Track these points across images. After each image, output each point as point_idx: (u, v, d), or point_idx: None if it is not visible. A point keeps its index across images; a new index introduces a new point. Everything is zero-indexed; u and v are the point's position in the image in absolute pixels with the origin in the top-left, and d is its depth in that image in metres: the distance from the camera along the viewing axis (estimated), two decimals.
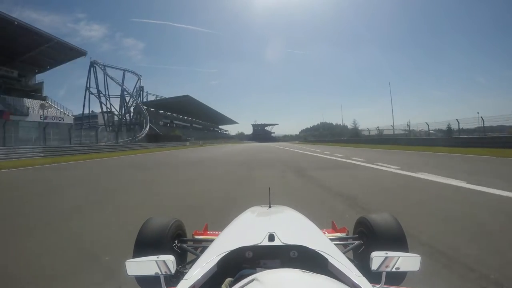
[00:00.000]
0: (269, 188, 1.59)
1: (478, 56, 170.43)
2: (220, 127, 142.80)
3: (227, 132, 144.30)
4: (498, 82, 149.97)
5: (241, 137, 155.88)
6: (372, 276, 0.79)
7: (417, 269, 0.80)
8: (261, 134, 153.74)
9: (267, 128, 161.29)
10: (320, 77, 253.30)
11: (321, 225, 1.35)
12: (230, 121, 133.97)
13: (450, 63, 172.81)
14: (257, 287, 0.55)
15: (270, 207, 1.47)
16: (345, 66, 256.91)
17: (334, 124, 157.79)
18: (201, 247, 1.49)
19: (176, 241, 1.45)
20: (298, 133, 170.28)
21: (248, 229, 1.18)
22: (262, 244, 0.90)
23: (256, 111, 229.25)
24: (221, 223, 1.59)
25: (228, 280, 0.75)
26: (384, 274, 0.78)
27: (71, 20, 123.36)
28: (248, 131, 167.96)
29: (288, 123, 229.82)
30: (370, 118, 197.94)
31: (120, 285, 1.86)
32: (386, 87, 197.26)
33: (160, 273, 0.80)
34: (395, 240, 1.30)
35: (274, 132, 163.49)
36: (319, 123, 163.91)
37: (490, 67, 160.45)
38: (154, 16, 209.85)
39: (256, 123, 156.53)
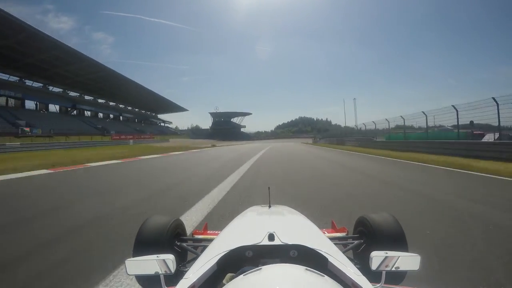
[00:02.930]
0: (269, 188, 1.60)
1: (449, 57, 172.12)
2: (160, 116, 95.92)
3: (168, 126, 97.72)
4: (468, 84, 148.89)
5: (194, 133, 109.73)
6: (372, 275, 0.81)
7: (417, 269, 0.81)
8: (225, 128, 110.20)
9: (234, 119, 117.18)
10: (296, 74, 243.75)
11: (321, 225, 1.40)
12: (174, 108, 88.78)
13: (421, 62, 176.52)
14: (257, 277, 0.58)
15: (270, 206, 1.48)
16: (318, 63, 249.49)
17: (315, 119, 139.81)
18: (201, 246, 1.49)
19: (176, 240, 1.46)
20: (273, 129, 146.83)
21: (248, 228, 1.19)
22: (262, 243, 0.91)
23: (226, 107, 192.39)
24: (220, 223, 1.72)
25: (229, 275, 0.77)
26: (384, 273, 0.80)
27: (39, 12, 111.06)
28: (206, 123, 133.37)
29: (261, 119, 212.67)
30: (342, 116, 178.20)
31: None
32: (358, 85, 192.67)
33: (160, 272, 0.80)
34: (395, 239, 1.32)
35: (245, 126, 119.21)
36: (297, 117, 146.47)
37: (461, 68, 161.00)
38: (125, 8, 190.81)
39: (217, 111, 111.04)
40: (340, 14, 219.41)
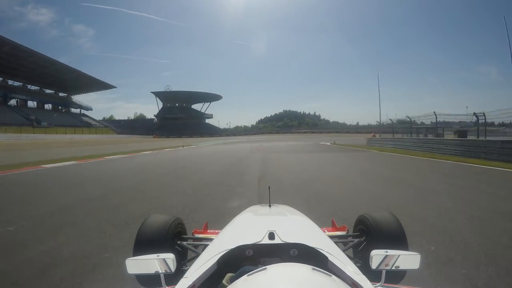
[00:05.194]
0: (269, 187, 1.59)
1: (430, 55, 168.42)
2: (75, 99, 58.59)
3: (85, 113, 60.63)
4: (450, 82, 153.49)
5: (130, 126, 71.35)
6: (372, 274, 0.80)
7: (417, 268, 0.81)
8: (180, 117, 73.90)
9: (196, 106, 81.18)
10: (279, 69, 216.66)
11: (321, 223, 1.42)
12: (93, 84, 52.82)
13: (402, 61, 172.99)
14: (263, 277, 0.56)
15: (270, 206, 1.48)
16: (302, 58, 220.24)
17: (302, 113, 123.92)
18: (201, 245, 1.50)
19: (176, 239, 1.47)
20: (254, 123, 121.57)
21: (248, 227, 1.18)
22: (262, 242, 0.91)
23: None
24: (221, 221, 1.68)
25: (229, 275, 0.76)
26: (384, 272, 0.80)
27: (18, 3, 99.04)
28: (150, 110, 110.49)
29: (240, 114, 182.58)
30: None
31: None
32: (339, 81, 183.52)
33: (160, 272, 0.81)
34: (395, 238, 1.32)
35: (211, 116, 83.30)
36: (282, 111, 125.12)
37: (442, 67, 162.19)
38: (106, 1, 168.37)
39: (169, 91, 74.18)
40: (326, 8, 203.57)
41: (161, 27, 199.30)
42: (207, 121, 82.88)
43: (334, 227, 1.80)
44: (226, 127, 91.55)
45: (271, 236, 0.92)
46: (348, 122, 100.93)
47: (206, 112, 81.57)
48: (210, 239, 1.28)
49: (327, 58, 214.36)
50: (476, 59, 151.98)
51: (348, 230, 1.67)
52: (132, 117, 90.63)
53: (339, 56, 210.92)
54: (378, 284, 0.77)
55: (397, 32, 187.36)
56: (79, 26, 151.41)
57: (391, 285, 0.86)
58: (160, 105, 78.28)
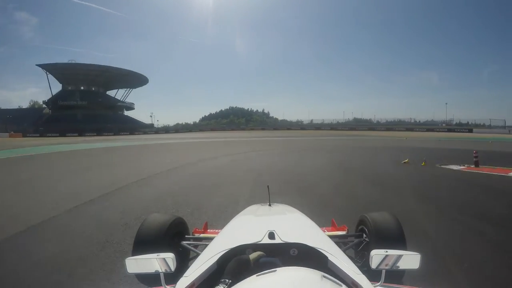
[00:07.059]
0: (268, 186, 1.59)
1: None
2: None
3: None
4: (395, 85, 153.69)
5: (2, 120, 53.87)
6: (372, 273, 0.82)
7: (417, 267, 0.82)
8: (81, 107, 57.45)
9: (112, 92, 65.09)
10: (225, 67, 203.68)
11: (321, 223, 1.42)
12: None
13: (352, 62, 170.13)
14: (272, 279, 0.57)
15: (270, 205, 1.48)
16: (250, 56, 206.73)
17: (248, 109, 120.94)
18: (201, 244, 1.51)
19: (176, 239, 1.49)
20: (197, 120, 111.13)
21: (248, 227, 1.19)
22: (262, 242, 0.93)
23: (148, 101, 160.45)
24: (221, 221, 1.66)
25: (257, 253, 0.83)
26: (383, 272, 0.81)
27: None
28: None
29: (185, 112, 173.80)
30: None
31: None
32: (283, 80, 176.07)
33: (160, 271, 0.82)
34: (394, 238, 1.36)
35: (133, 106, 67.58)
36: (228, 107, 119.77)
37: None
38: None
39: (71, 63, 58.15)
40: (278, 7, 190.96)
41: (107, 19, 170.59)
42: (126, 113, 67.04)
43: (334, 227, 1.84)
44: (156, 122, 75.67)
45: (271, 235, 0.94)
46: (299, 120, 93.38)
47: (125, 101, 65.37)
48: (210, 239, 1.29)
49: (276, 58, 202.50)
50: (417, 65, 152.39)
51: (348, 229, 1.69)
52: (26, 106, 70.62)
53: (287, 56, 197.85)
54: (378, 283, 0.78)
55: (348, 33, 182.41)
56: (23, 13, 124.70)
57: (390, 284, 0.86)
58: (59, 88, 60.50)
